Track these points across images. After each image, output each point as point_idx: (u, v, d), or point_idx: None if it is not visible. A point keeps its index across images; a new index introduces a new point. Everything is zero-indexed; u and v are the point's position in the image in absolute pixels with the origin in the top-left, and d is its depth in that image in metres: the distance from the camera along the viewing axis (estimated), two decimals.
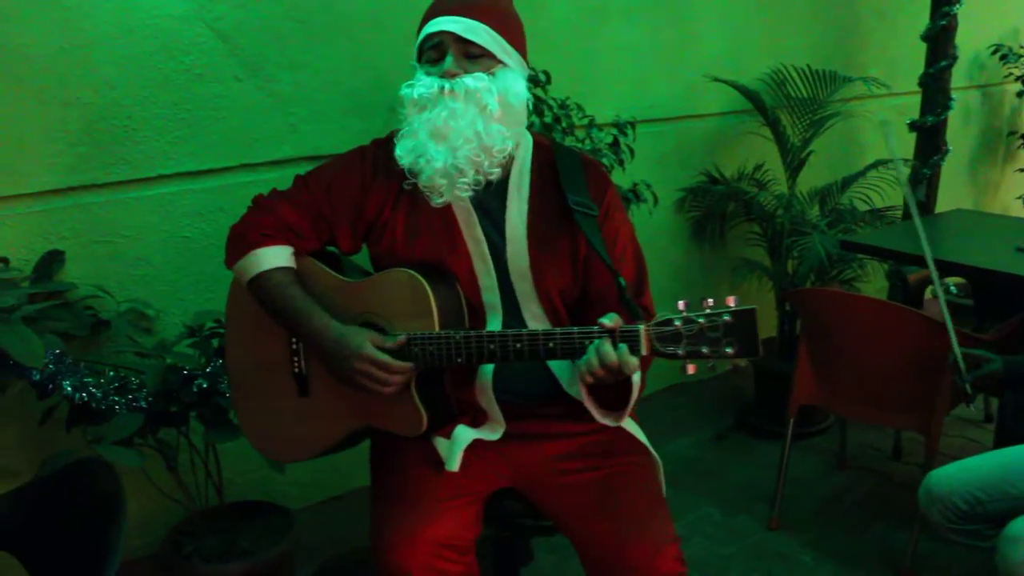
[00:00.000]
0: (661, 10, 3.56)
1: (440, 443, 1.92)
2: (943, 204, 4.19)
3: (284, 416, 1.98)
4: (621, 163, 2.95)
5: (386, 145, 1.95)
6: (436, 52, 1.84)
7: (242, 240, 1.92)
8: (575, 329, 1.72)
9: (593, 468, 1.91)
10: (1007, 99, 5.46)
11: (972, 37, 4.25)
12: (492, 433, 1.96)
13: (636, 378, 1.81)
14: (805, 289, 3.33)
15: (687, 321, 1.61)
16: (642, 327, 1.65)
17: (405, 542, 1.74)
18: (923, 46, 4.03)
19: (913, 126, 4.09)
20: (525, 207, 1.93)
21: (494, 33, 1.84)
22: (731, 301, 1.61)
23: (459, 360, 1.80)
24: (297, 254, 1.93)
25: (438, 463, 1.90)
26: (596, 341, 1.69)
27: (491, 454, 1.94)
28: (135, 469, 2.15)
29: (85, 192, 2.44)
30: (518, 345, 1.75)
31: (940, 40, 3.95)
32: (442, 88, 1.80)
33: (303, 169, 2.72)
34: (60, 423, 2.25)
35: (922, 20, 4.04)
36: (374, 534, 1.81)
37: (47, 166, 2.36)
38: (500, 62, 1.85)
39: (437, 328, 1.81)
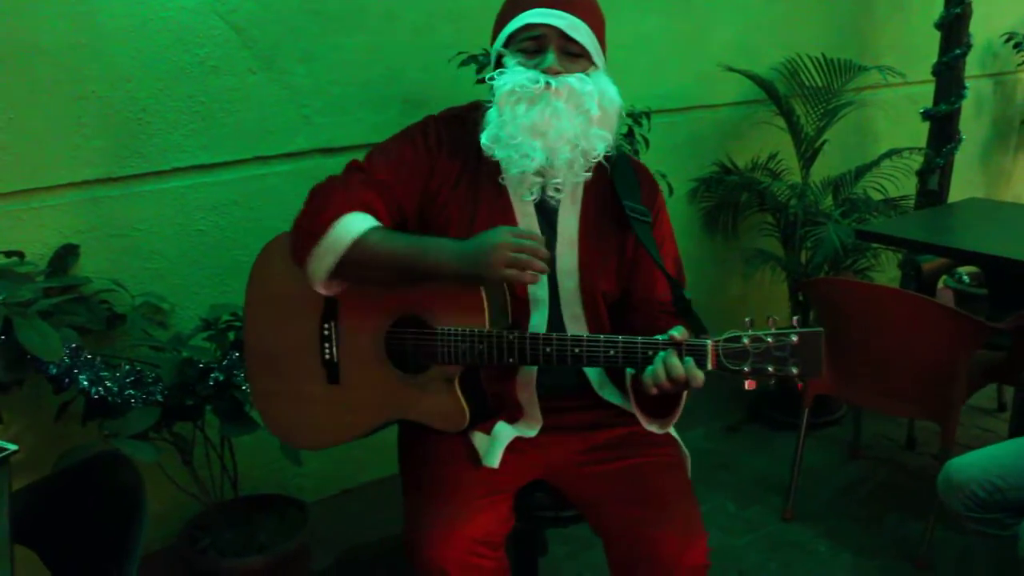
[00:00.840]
0: (675, 1, 3.53)
1: (479, 439, 1.91)
2: (956, 193, 4.16)
3: (310, 403, 1.94)
4: (636, 153, 2.94)
5: (446, 123, 1.94)
6: (535, 44, 1.81)
7: (316, 222, 1.79)
8: (639, 339, 1.71)
9: (626, 457, 1.91)
10: (1020, 87, 5.42)
11: (985, 25, 4.21)
12: (529, 430, 1.96)
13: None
14: (821, 279, 3.31)
15: (755, 340, 1.63)
16: (709, 342, 1.65)
17: (441, 539, 1.72)
18: (936, 34, 4.00)
19: (926, 115, 4.06)
20: (579, 207, 1.92)
21: (592, 34, 1.83)
22: (795, 322, 1.65)
23: (510, 360, 1.78)
24: None
25: (473, 457, 1.89)
26: (662, 352, 1.67)
27: (526, 447, 1.94)
28: (150, 463, 2.15)
29: (99, 186, 2.43)
30: (576, 350, 1.74)
31: (954, 28, 3.92)
32: (548, 84, 1.77)
33: (317, 162, 2.76)
34: (75, 417, 2.25)
35: (935, 8, 4.00)
36: (409, 528, 1.79)
37: (61, 160, 2.35)
38: (594, 63, 1.84)
39: (487, 325, 1.79)
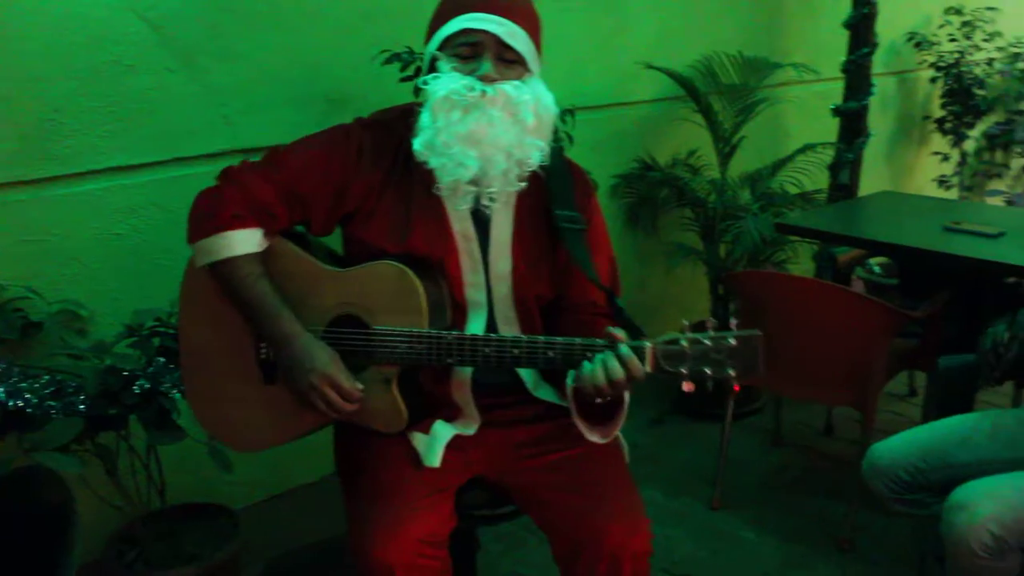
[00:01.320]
0: None
1: (418, 439, 1.89)
2: (864, 187, 4.30)
3: (247, 405, 1.90)
4: (562, 150, 2.95)
5: (372, 130, 1.89)
6: (471, 50, 1.78)
7: (210, 218, 1.81)
8: (577, 340, 1.71)
9: (565, 448, 1.91)
10: (921, 85, 5.63)
11: (889, 25, 4.35)
12: (468, 428, 1.95)
13: (626, 394, 1.82)
14: (744, 272, 3.38)
15: (694, 342, 1.63)
16: (648, 344, 1.66)
17: (387, 540, 1.71)
18: (842, 33, 4.13)
19: (837, 111, 4.18)
20: (512, 211, 1.91)
21: (529, 40, 1.80)
22: (733, 324, 1.65)
23: (449, 361, 1.77)
24: (267, 235, 1.85)
25: (413, 458, 1.87)
26: (600, 355, 1.68)
27: (466, 445, 1.93)
28: (72, 476, 2.08)
29: (11, 190, 2.34)
30: (516, 352, 1.74)
31: (862, 28, 4.05)
32: (483, 92, 1.74)
33: (237, 162, 2.69)
34: None
35: (842, 8, 4.13)
36: (354, 533, 1.77)
37: None
38: (528, 70, 1.81)
39: (426, 326, 1.78)
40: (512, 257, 1.90)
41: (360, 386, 1.79)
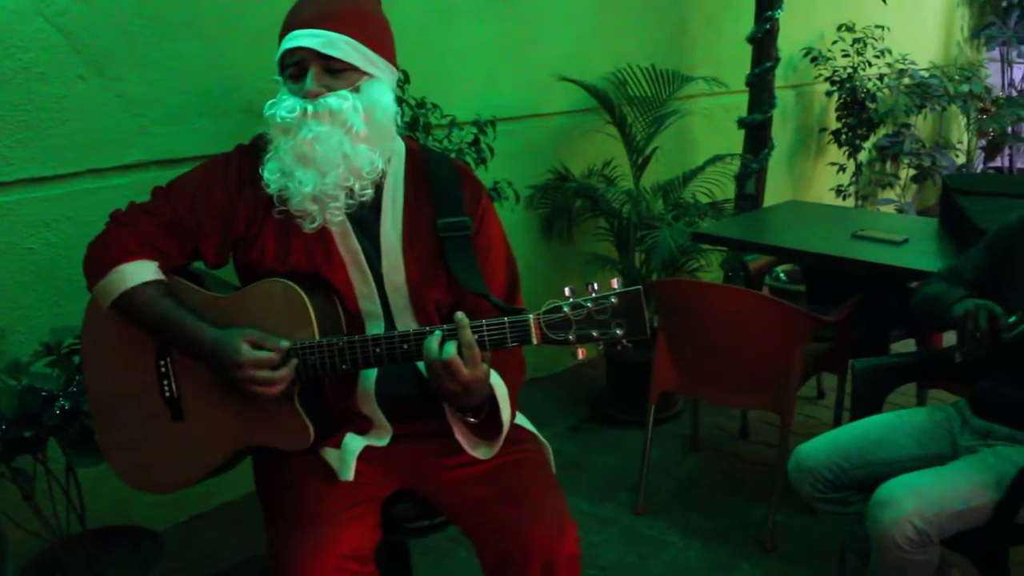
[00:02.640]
0: (508, 10, 3.60)
1: (330, 454, 1.88)
2: (768, 197, 4.44)
3: (157, 444, 1.87)
4: (483, 162, 2.97)
5: (251, 152, 1.88)
6: (297, 69, 1.78)
7: (103, 258, 1.81)
8: (433, 328, 1.72)
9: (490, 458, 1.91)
10: (817, 98, 5.84)
11: (787, 41, 4.50)
12: (380, 439, 1.93)
13: (504, 403, 1.82)
14: (662, 281, 3.45)
15: (575, 307, 1.62)
16: (531, 316, 1.65)
17: (310, 560, 1.68)
18: (745, 48, 4.26)
19: (742, 123, 4.31)
20: (400, 221, 1.90)
21: (357, 44, 1.77)
22: (615, 283, 1.64)
23: (344, 367, 1.76)
24: (161, 269, 1.84)
25: (330, 474, 1.85)
26: (451, 341, 1.67)
27: (381, 458, 1.91)
28: None
29: None
30: (405, 346, 1.73)
31: (764, 43, 4.19)
32: (305, 110, 1.73)
33: (154, 174, 2.64)
34: None
35: (743, 24, 4.27)
36: (275, 555, 1.74)
37: None
38: (365, 73, 1.79)
39: (317, 337, 1.77)
40: (405, 266, 1.89)
41: (284, 343, 1.75)
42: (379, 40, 1.83)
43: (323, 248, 1.86)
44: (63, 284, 2.47)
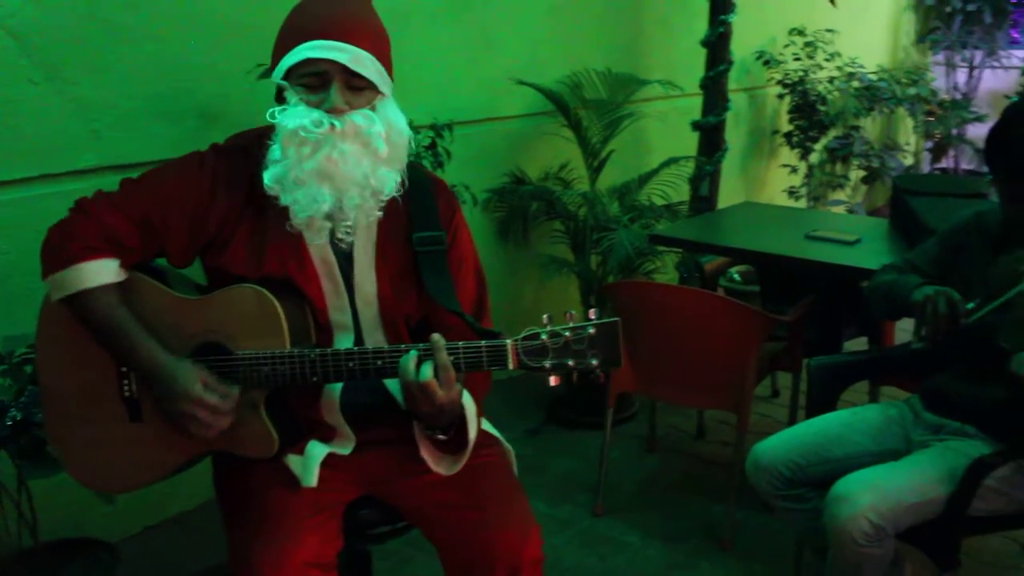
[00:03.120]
0: (463, 14, 3.60)
1: (293, 461, 1.86)
2: (722, 199, 4.49)
3: (113, 445, 1.83)
4: (441, 165, 2.97)
5: (227, 155, 1.84)
6: (317, 80, 1.72)
7: (62, 251, 1.74)
8: (408, 346, 1.71)
9: None
10: (769, 101, 5.92)
11: (739, 44, 4.55)
12: (344, 448, 1.92)
13: (472, 421, 1.82)
14: (620, 283, 3.47)
15: (553, 335, 1.64)
16: (509, 341, 1.66)
17: (272, 567, 1.67)
18: (699, 51, 4.30)
19: (696, 125, 4.35)
20: (374, 234, 1.88)
21: (376, 62, 1.74)
22: (592, 314, 1.66)
23: (314, 379, 1.75)
24: (123, 267, 1.78)
25: (293, 481, 1.84)
26: (428, 361, 1.67)
27: (345, 464, 1.91)
28: None
29: None
30: (379, 362, 1.72)
31: (718, 46, 4.24)
32: (332, 126, 1.69)
33: (108, 179, 2.60)
34: None
35: (697, 28, 4.31)
36: (237, 562, 1.72)
37: None
38: (380, 92, 1.76)
39: (288, 346, 1.75)
40: (377, 280, 1.88)
41: (235, 389, 1.74)
42: (389, 57, 1.81)
43: (297, 256, 1.83)
44: (15, 292, 2.43)
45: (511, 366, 1.66)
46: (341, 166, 1.71)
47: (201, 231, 1.82)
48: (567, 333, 1.64)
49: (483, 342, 1.68)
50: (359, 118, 1.72)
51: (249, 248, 1.83)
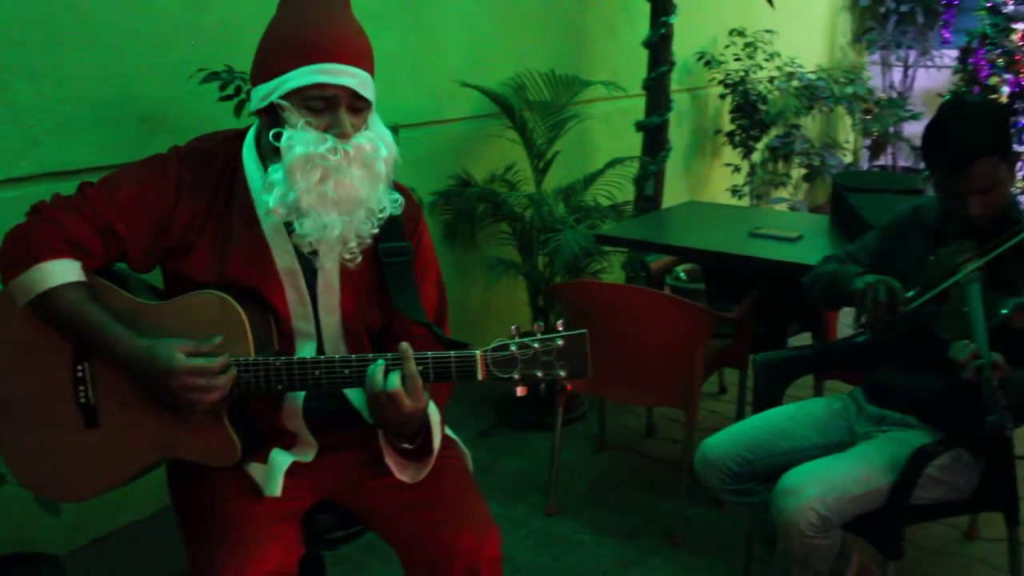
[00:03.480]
0: (408, 17, 3.60)
1: (256, 469, 1.84)
2: (667, 198, 4.54)
3: (66, 451, 1.80)
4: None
5: (191, 159, 1.82)
6: (324, 103, 1.69)
7: (21, 254, 1.71)
8: (378, 356, 1.70)
9: None
10: (711, 101, 6.00)
11: (681, 45, 4.61)
12: (306, 455, 1.91)
13: (436, 429, 1.83)
14: (567, 283, 3.49)
15: (522, 346, 1.66)
16: (478, 352, 1.67)
17: None
18: (641, 53, 4.35)
19: (640, 126, 4.40)
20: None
21: (372, 81, 1.74)
22: (560, 327, 1.68)
23: (279, 387, 1.73)
24: (84, 270, 1.75)
25: (254, 490, 1.83)
26: (396, 371, 1.67)
27: (306, 471, 1.90)
28: None
29: None
30: (346, 371, 1.71)
31: (660, 47, 4.28)
32: (346, 152, 1.68)
33: (46, 187, 2.55)
34: None
35: (639, 29, 4.36)
36: (198, 574, 1.70)
37: None
38: (371, 108, 1.76)
39: (252, 354, 1.74)
40: (341, 291, 1.87)
41: (218, 338, 1.70)
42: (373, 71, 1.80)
43: (261, 265, 1.81)
44: None
45: (480, 377, 1.67)
46: (350, 190, 1.71)
47: (164, 236, 1.79)
48: (536, 344, 1.65)
49: (452, 353, 1.68)
50: (364, 141, 1.71)
51: (212, 254, 1.81)
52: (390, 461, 1.85)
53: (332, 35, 1.69)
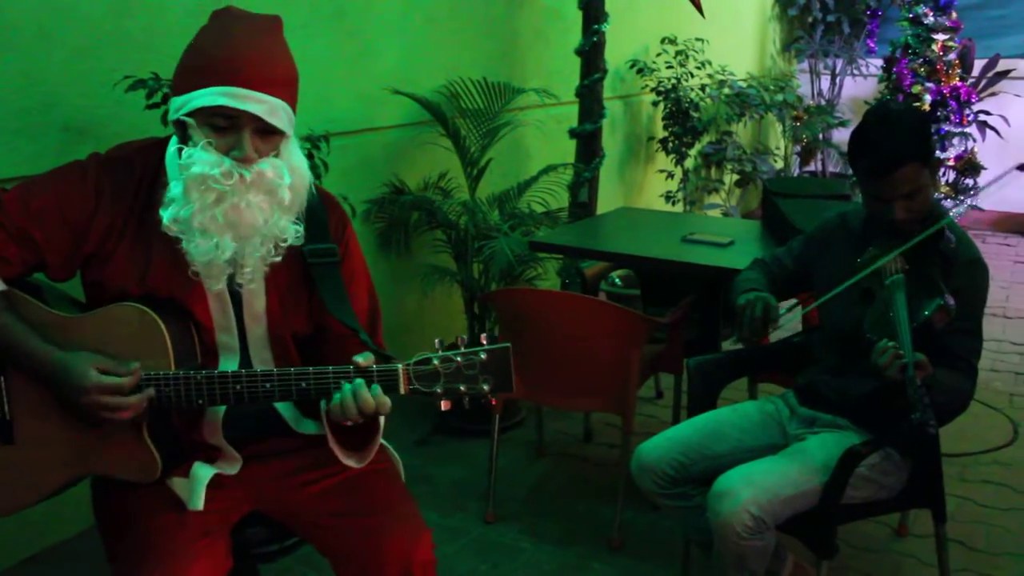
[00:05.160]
0: (337, 24, 3.57)
1: (178, 483, 1.81)
2: (601, 205, 4.56)
3: None
4: (318, 177, 2.93)
5: (109, 167, 1.78)
6: (227, 123, 1.67)
7: None
8: (330, 368, 1.69)
9: (336, 473, 1.90)
10: (644, 108, 6.05)
11: (614, 52, 4.64)
12: (230, 468, 1.89)
13: (381, 418, 1.81)
14: (502, 290, 3.49)
15: (445, 360, 1.66)
16: (400, 366, 1.67)
17: None
18: (573, 60, 4.37)
19: (573, 133, 4.42)
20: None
21: (289, 109, 1.72)
22: (484, 339, 1.68)
23: (200, 402, 1.71)
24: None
25: (177, 504, 1.79)
26: (349, 384, 1.67)
27: (232, 481, 1.87)
28: None
29: None
30: (267, 385, 1.70)
31: (592, 55, 4.31)
32: (242, 176, 1.67)
33: None
34: None
35: (571, 38, 4.39)
36: None
37: None
38: (286, 135, 1.74)
39: (173, 368, 1.71)
40: (267, 297, 1.85)
41: (134, 365, 1.67)
42: (296, 98, 1.76)
43: (182, 274, 1.77)
44: None
45: (402, 391, 1.67)
46: (246, 215, 1.69)
47: (82, 244, 1.76)
48: (459, 359, 1.66)
49: (374, 367, 1.68)
50: (267, 167, 1.69)
51: (132, 264, 1.78)
52: (334, 446, 1.82)
53: (248, 58, 1.67)
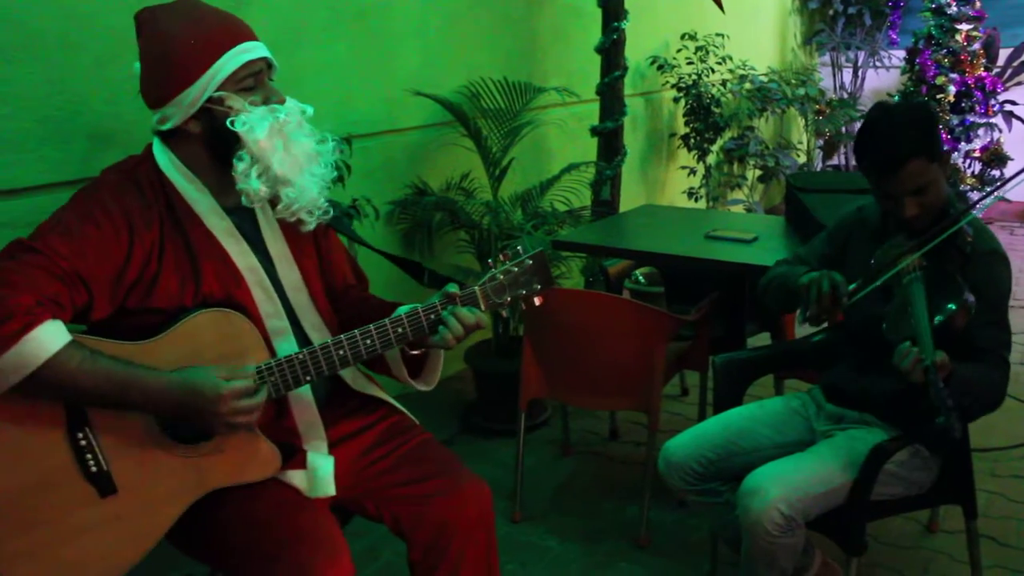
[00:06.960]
0: (360, 27, 3.58)
1: (294, 475, 1.88)
2: (623, 203, 4.55)
3: (85, 534, 1.66)
4: (341, 180, 2.94)
5: (121, 193, 1.76)
6: (254, 81, 1.82)
7: (2, 329, 1.54)
8: (419, 307, 1.83)
9: (403, 444, 2.03)
10: (665, 105, 6.03)
11: (634, 49, 4.64)
12: (322, 450, 1.95)
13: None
14: None
15: (506, 272, 1.88)
16: (477, 288, 1.87)
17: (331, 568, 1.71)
18: (594, 58, 4.36)
19: (595, 131, 4.41)
20: (275, 221, 1.93)
21: None
22: (520, 250, 1.89)
23: (308, 378, 1.79)
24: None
25: (297, 494, 1.87)
26: (445, 311, 1.83)
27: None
28: None
29: None
30: (368, 341, 1.80)
31: (612, 53, 4.30)
32: (303, 111, 1.85)
33: None
34: None
35: (591, 35, 4.38)
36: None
37: None
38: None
39: (266, 357, 1.79)
40: (297, 263, 1.96)
41: (251, 368, 1.74)
42: None
43: (230, 271, 1.84)
44: None
45: (482, 308, 1.87)
46: (306, 148, 1.85)
47: (126, 274, 1.73)
48: (516, 269, 1.88)
49: (459, 292, 1.85)
50: (293, 104, 1.85)
51: (181, 276, 1.79)
52: (405, 376, 2.02)
53: (228, 21, 1.83)
